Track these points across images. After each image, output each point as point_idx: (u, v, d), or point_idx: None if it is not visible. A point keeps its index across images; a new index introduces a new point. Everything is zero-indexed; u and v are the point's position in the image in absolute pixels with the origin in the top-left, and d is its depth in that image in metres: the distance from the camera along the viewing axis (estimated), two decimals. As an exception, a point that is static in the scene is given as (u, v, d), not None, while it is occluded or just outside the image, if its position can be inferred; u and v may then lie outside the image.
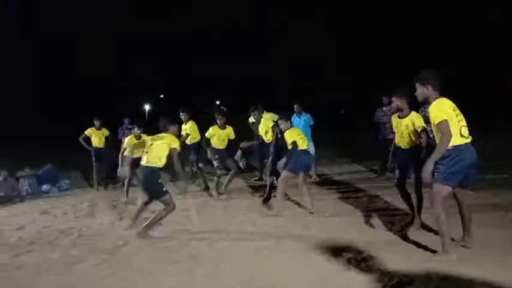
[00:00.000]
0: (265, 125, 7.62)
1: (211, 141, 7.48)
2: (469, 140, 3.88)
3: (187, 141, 7.82)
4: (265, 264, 4.12)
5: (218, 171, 7.50)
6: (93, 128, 9.22)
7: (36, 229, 5.96)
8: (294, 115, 9.26)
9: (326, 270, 3.87)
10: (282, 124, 6.28)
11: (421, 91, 4.11)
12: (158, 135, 5.38)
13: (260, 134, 7.74)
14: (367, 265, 3.86)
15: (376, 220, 5.43)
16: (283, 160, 6.37)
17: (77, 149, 9.65)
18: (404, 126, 4.85)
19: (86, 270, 4.20)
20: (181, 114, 7.86)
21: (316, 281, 3.62)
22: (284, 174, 6.06)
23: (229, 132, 7.61)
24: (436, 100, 3.97)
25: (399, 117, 4.94)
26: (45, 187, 9.59)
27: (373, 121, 9.10)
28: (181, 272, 4.03)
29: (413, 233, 4.77)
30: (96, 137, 9.19)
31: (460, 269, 3.55)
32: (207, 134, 7.49)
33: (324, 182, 8.76)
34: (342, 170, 10.37)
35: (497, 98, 18.54)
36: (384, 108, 8.77)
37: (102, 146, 9.20)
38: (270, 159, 6.96)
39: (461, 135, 3.84)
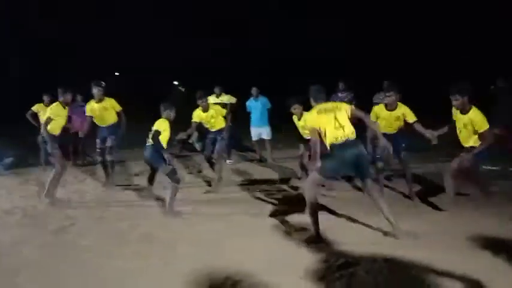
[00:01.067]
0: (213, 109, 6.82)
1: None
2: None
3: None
4: (218, 244, 4.15)
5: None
6: (42, 104, 8.80)
7: (-23, 208, 5.67)
8: (251, 98, 9.28)
9: (277, 250, 3.95)
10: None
11: (461, 101, 4.80)
12: None
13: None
14: (317, 246, 3.97)
15: (328, 203, 5.56)
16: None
17: (25, 126, 9.20)
18: (393, 119, 5.53)
19: (30, 252, 4.05)
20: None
21: (265, 260, 3.68)
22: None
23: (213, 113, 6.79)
24: (475, 109, 4.84)
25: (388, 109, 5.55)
26: (-12, 165, 9.11)
27: None
28: (132, 253, 3.98)
29: (365, 215, 4.94)
30: (44, 113, 8.77)
31: (405, 251, 3.71)
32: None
33: (278, 166, 8.86)
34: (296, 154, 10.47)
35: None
36: (340, 94, 8.92)
37: None
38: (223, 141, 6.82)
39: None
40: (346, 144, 4.15)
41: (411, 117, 5.47)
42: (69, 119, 9.51)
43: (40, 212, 5.45)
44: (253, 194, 6.28)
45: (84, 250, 4.08)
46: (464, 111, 4.87)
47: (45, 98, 8.81)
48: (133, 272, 3.53)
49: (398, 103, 5.53)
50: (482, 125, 4.75)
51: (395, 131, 5.58)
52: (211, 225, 4.77)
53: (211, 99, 8.83)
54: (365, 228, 4.50)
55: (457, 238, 4.03)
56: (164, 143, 5.39)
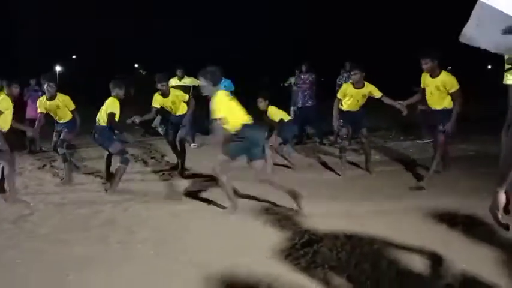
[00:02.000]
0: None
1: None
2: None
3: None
4: (181, 227, 4.12)
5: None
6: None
7: None
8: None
9: (242, 231, 3.97)
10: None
11: (430, 64, 5.06)
12: None
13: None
14: (281, 225, 4.02)
15: (290, 184, 5.60)
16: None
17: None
18: (361, 96, 5.83)
19: (-14, 242, 3.90)
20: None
21: (231, 241, 3.70)
22: None
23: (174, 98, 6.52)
24: (445, 72, 5.12)
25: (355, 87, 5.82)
26: None
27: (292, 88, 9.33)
28: (93, 240, 3.89)
29: (326, 195, 5.05)
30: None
31: (364, 228, 3.81)
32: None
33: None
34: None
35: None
36: (302, 76, 8.97)
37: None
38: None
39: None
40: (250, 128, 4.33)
41: (377, 93, 5.79)
42: (24, 104, 9.17)
43: (-4, 201, 5.23)
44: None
45: (43, 238, 3.95)
46: (434, 74, 5.11)
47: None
48: (93, 258, 3.45)
49: (365, 82, 5.77)
50: (454, 84, 5.03)
51: (358, 109, 5.94)
52: (173, 209, 4.73)
53: (174, 81, 8.69)
54: (323, 207, 4.56)
55: (417, 214, 4.18)
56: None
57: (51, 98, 6.13)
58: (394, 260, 3.16)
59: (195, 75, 8.87)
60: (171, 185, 5.80)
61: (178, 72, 8.94)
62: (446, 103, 5.13)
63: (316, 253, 3.36)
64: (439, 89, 5.10)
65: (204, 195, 5.22)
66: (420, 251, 3.27)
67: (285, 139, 6.36)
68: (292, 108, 9.29)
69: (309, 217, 4.20)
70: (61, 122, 6.28)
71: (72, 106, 6.31)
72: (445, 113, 5.10)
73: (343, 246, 3.45)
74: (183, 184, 5.79)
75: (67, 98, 6.28)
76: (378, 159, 7.03)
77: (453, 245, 3.40)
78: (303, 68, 9.01)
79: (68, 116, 6.29)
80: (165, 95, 6.32)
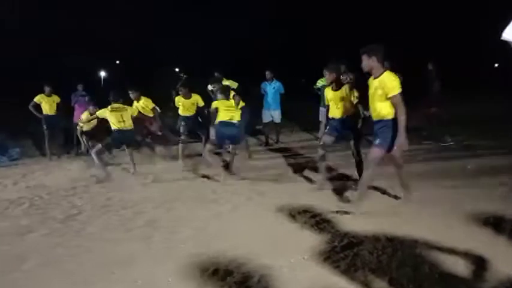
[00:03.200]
0: None
1: (179, 110, 7.59)
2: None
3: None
4: (222, 228, 4.18)
5: (183, 137, 7.47)
6: (43, 94, 8.82)
7: (-16, 199, 5.73)
8: (265, 82, 9.31)
9: (280, 232, 3.98)
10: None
11: (366, 62, 4.23)
12: None
13: None
14: (320, 227, 3.99)
15: (328, 186, 5.58)
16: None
17: (28, 117, 9.23)
18: (339, 98, 5.19)
19: (37, 240, 4.11)
20: (130, 93, 7.56)
21: (270, 242, 3.72)
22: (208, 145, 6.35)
23: (195, 100, 7.63)
24: (387, 73, 4.17)
25: (333, 89, 5.23)
26: (-6, 157, 9.16)
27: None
28: (137, 238, 4.03)
29: (366, 197, 4.97)
30: (47, 103, 8.80)
31: (406, 230, 3.74)
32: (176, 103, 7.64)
33: (282, 149, 8.88)
34: (301, 138, 10.54)
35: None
36: (341, 77, 8.83)
37: (53, 114, 8.84)
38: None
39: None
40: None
41: (353, 98, 5.16)
42: (71, 108, 9.61)
43: (47, 202, 5.50)
44: (256, 176, 6.30)
45: (89, 237, 4.12)
46: (375, 75, 4.26)
47: (46, 88, 8.85)
48: (137, 257, 3.56)
49: (345, 84, 5.22)
50: (393, 89, 4.08)
51: (342, 116, 5.19)
52: (214, 209, 4.81)
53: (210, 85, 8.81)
54: (364, 209, 4.49)
55: (459, 217, 4.06)
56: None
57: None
58: (437, 263, 3.08)
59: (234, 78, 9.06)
60: (212, 185, 5.88)
61: (216, 74, 9.05)
62: (385, 111, 4.23)
63: (356, 256, 3.32)
64: (377, 91, 4.22)
65: (243, 195, 5.27)
66: (464, 254, 3.17)
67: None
68: (320, 109, 9.30)
69: (349, 219, 4.15)
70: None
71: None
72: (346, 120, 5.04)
73: (384, 249, 3.40)
74: (224, 185, 5.86)
75: (56, 96, 8.59)
76: (420, 158, 6.86)
77: (497, 249, 3.29)
78: (341, 68, 8.87)
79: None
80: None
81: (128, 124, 6.70)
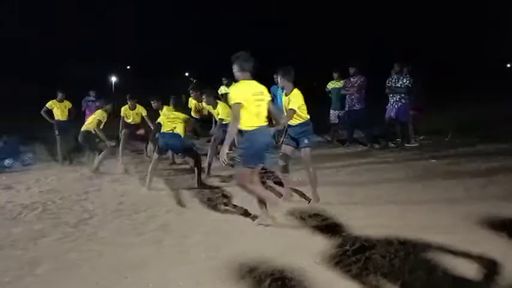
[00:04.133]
0: None
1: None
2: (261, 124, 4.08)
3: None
4: (233, 232, 4.18)
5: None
6: (55, 100, 8.93)
7: (-2, 204, 5.81)
8: (276, 86, 9.27)
9: (292, 236, 3.97)
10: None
11: (281, 81, 4.90)
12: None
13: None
14: (332, 231, 3.97)
15: (341, 189, 5.56)
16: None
17: (41, 122, 9.35)
18: (286, 102, 5.08)
19: (50, 245, 4.15)
20: (152, 102, 7.69)
21: (282, 246, 3.71)
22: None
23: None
24: (295, 90, 4.84)
25: (286, 94, 5.08)
26: (7, 162, 9.27)
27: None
28: (148, 242, 4.05)
29: (377, 199, 4.96)
30: (58, 109, 8.91)
31: (419, 233, 3.70)
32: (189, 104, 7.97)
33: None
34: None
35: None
36: (352, 79, 8.83)
37: (65, 119, 8.95)
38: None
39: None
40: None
41: (290, 104, 4.84)
42: (83, 113, 9.71)
43: (59, 206, 5.55)
44: (268, 180, 6.30)
45: (101, 241, 4.15)
46: (287, 92, 4.90)
47: (58, 94, 8.96)
48: (148, 261, 3.58)
49: (295, 88, 4.92)
50: (294, 104, 4.75)
51: (296, 122, 4.93)
52: (225, 214, 4.83)
53: (223, 89, 8.88)
54: (373, 213, 4.49)
55: (474, 220, 4.01)
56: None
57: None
58: (451, 267, 3.04)
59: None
60: (223, 190, 5.89)
61: (224, 80, 9.12)
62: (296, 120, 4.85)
63: (368, 260, 3.30)
64: (287, 107, 4.85)
65: (253, 201, 5.26)
66: (478, 259, 3.13)
67: None
68: (331, 112, 9.35)
69: (361, 223, 4.13)
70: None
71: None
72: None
73: (396, 253, 3.37)
74: (235, 189, 5.86)
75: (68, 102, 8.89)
76: (434, 162, 6.81)
77: (513, 254, 3.23)
78: (351, 71, 8.85)
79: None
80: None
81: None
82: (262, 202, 4.28)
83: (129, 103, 8.37)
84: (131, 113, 8.37)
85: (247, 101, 3.97)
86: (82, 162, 8.85)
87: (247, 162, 4.02)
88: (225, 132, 4.61)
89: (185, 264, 3.47)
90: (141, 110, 8.42)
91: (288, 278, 3.10)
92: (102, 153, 7.59)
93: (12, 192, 6.59)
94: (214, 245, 3.85)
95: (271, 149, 4.31)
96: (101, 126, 7.64)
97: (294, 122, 4.88)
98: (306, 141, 4.85)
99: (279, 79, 4.92)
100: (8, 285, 3.29)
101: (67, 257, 3.79)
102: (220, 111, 6.68)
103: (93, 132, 7.57)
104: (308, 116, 4.96)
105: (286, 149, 5.04)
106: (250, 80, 4.14)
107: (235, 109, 3.95)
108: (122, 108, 8.44)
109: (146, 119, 8.37)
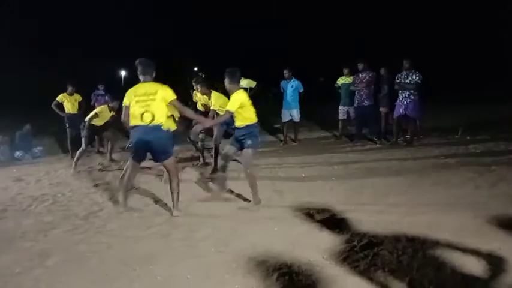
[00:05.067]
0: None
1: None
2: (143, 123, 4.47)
3: None
4: (241, 227, 4.19)
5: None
6: (65, 93, 9.00)
7: (9, 196, 5.88)
8: (285, 81, 9.30)
9: (300, 231, 3.97)
10: None
11: (226, 83, 4.89)
12: None
13: None
14: (339, 227, 3.97)
15: (350, 185, 5.55)
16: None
17: (51, 115, 9.43)
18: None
19: (60, 236, 4.19)
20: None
21: (290, 241, 3.71)
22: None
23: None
24: (236, 92, 4.81)
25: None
26: (18, 154, 9.39)
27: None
28: (156, 236, 4.08)
29: (385, 196, 4.94)
30: (69, 102, 8.98)
31: (427, 231, 3.69)
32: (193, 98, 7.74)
33: (301, 148, 8.87)
34: (319, 135, 10.53)
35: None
36: (360, 75, 8.79)
37: (75, 112, 9.02)
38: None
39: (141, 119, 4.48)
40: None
41: (227, 106, 4.86)
42: (92, 107, 9.77)
43: (69, 199, 5.60)
44: (274, 175, 6.30)
45: (110, 234, 4.18)
46: (232, 92, 4.89)
47: (69, 87, 9.03)
48: (157, 254, 3.61)
49: (239, 90, 4.88)
50: (229, 105, 4.76)
51: (242, 124, 4.87)
52: (232, 208, 4.84)
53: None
54: (382, 209, 4.48)
55: (483, 218, 3.98)
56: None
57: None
58: (459, 264, 3.03)
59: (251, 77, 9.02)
60: (230, 184, 5.90)
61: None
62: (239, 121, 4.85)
63: (376, 256, 3.29)
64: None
65: (263, 195, 5.26)
66: (486, 257, 3.11)
67: None
68: (340, 108, 9.37)
69: (369, 219, 4.12)
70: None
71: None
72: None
73: (404, 249, 3.36)
74: (241, 185, 5.87)
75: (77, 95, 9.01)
76: (443, 160, 6.76)
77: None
78: (359, 66, 8.81)
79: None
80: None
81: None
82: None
83: None
84: None
85: (131, 103, 4.51)
86: (91, 155, 8.92)
87: (131, 155, 4.75)
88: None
89: (194, 258, 3.49)
90: None
91: (295, 272, 3.10)
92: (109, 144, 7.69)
93: (22, 184, 6.67)
94: (223, 239, 3.86)
95: (160, 147, 4.56)
96: (93, 120, 7.54)
97: (240, 124, 4.86)
98: (249, 142, 4.77)
99: (225, 82, 4.90)
100: (18, 276, 3.34)
101: (76, 249, 3.83)
102: (214, 102, 6.60)
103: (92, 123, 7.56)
104: (255, 119, 4.88)
105: (229, 149, 5.04)
106: (148, 82, 4.58)
107: (124, 111, 4.61)
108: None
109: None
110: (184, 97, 7.94)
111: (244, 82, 8.92)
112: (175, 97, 4.56)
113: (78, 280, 3.22)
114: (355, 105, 8.88)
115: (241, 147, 4.91)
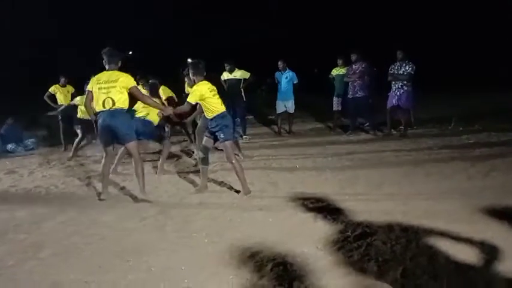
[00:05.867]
0: None
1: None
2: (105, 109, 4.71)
3: None
4: (235, 218, 4.19)
5: None
6: (58, 85, 8.92)
7: (2, 188, 5.85)
8: (279, 73, 9.28)
9: (294, 222, 3.98)
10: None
11: (190, 75, 4.96)
12: None
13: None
14: (333, 217, 3.98)
15: (344, 176, 5.56)
16: None
17: (43, 107, 9.35)
18: None
19: (54, 228, 4.18)
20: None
21: (283, 232, 3.72)
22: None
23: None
24: (198, 84, 4.85)
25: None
26: (10, 146, 9.32)
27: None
28: (151, 228, 4.07)
29: (379, 186, 4.96)
30: (61, 94, 8.91)
31: (420, 220, 3.71)
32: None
33: (295, 139, 8.87)
34: (314, 127, 10.54)
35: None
36: (353, 66, 8.78)
37: (68, 104, 8.94)
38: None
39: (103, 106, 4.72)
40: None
41: (188, 97, 4.91)
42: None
43: (62, 191, 5.58)
44: (269, 167, 6.30)
45: (104, 226, 4.17)
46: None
47: (61, 79, 8.94)
48: (151, 245, 3.60)
49: (201, 82, 4.88)
50: (189, 97, 4.84)
51: (210, 115, 4.91)
52: (226, 200, 4.84)
53: (225, 75, 8.80)
54: (376, 199, 4.50)
55: (476, 208, 4.01)
56: None
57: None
58: (452, 254, 3.05)
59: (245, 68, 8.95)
60: (225, 176, 5.90)
61: (227, 66, 8.89)
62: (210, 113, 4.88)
63: (369, 246, 3.31)
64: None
65: (257, 186, 5.27)
66: (479, 246, 3.13)
67: None
68: (334, 99, 9.37)
69: (363, 210, 4.14)
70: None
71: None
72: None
73: (398, 240, 3.37)
74: (235, 176, 5.87)
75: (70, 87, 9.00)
76: (436, 150, 6.80)
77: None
78: (352, 57, 8.79)
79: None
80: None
81: None
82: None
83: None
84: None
85: (94, 89, 4.75)
86: (85, 147, 8.87)
87: (100, 141, 5.06)
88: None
89: (188, 249, 3.49)
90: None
91: (289, 263, 3.11)
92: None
93: (15, 176, 6.63)
94: (217, 231, 3.86)
95: (121, 130, 4.76)
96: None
97: (209, 115, 4.90)
98: (221, 135, 4.83)
99: (190, 73, 5.00)
100: (11, 268, 3.32)
101: (70, 241, 3.81)
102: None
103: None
104: (222, 109, 4.89)
105: (207, 141, 5.06)
106: (112, 71, 4.78)
107: (87, 95, 4.91)
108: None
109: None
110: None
111: (238, 73, 8.88)
112: (134, 84, 4.81)
113: (71, 272, 3.20)
114: (349, 96, 8.87)
115: (215, 139, 4.97)
